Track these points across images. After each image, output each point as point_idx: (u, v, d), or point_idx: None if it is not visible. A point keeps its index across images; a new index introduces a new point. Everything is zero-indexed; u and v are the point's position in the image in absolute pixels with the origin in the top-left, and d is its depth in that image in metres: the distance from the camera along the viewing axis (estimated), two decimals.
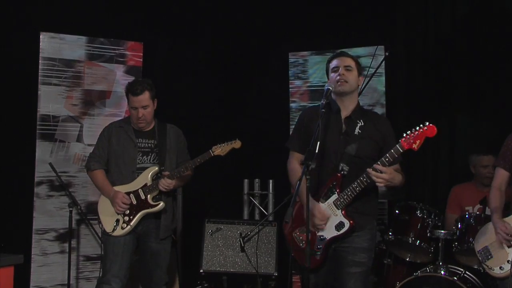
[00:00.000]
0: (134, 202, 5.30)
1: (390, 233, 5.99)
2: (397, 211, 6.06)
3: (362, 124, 4.51)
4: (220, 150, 5.30)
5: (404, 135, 4.23)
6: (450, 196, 6.47)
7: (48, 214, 6.58)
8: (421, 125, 4.20)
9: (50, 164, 6.43)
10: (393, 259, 6.28)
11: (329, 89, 4.42)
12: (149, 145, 5.39)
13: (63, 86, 6.70)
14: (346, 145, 4.46)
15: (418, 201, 6.05)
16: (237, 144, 5.35)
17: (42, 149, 6.59)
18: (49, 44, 6.65)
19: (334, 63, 4.61)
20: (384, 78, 7.13)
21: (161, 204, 5.31)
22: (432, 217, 5.90)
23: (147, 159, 5.36)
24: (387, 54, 6.37)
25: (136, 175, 5.33)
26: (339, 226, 4.43)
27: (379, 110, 7.08)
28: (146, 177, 5.32)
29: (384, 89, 7.15)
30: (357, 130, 4.49)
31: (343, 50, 4.84)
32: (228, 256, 6.45)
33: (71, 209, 6.20)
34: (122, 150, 5.36)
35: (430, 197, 6.75)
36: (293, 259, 4.64)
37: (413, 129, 4.20)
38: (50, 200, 6.60)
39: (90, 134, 6.73)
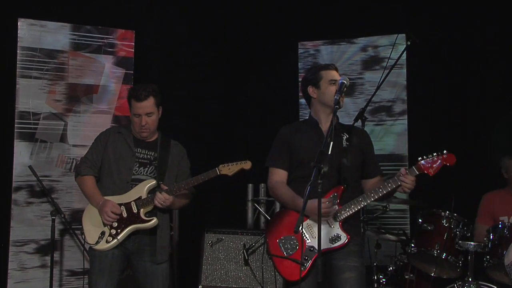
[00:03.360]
0: (125, 215, 5.13)
1: (412, 245, 5.90)
2: (420, 220, 5.98)
3: (347, 136, 4.76)
4: (227, 169, 5.21)
5: (420, 158, 4.51)
6: (482, 204, 6.39)
7: (28, 223, 6.51)
8: (439, 152, 4.48)
9: (30, 167, 6.36)
10: (416, 274, 6.18)
11: (344, 82, 4.47)
12: (149, 156, 5.27)
13: (44, 80, 6.65)
14: (334, 156, 4.47)
15: (444, 208, 5.94)
16: (247, 165, 5.26)
17: (21, 150, 6.53)
18: (29, 32, 6.59)
19: (331, 75, 4.76)
20: (405, 70, 7.11)
21: (154, 220, 5.15)
22: (460, 227, 5.81)
23: (144, 171, 5.23)
24: (409, 43, 6.26)
25: (130, 187, 5.19)
26: (335, 238, 4.56)
27: (400, 106, 7.05)
28: (141, 190, 5.17)
29: (405, 82, 7.14)
30: (344, 142, 4.72)
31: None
32: (230, 270, 6.37)
33: (53, 217, 6.10)
34: (118, 158, 5.22)
35: (457, 205, 6.62)
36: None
37: (432, 154, 4.48)
38: (29, 207, 6.54)
39: (75, 134, 6.67)
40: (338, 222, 4.55)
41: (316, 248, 4.43)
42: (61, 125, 6.69)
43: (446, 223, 5.80)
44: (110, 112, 6.80)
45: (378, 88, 6.19)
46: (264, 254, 6.29)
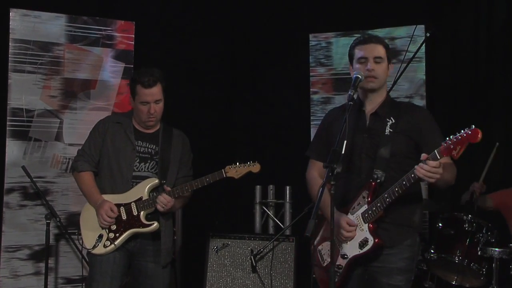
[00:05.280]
0: (124, 217, 5.11)
1: (432, 251, 5.87)
2: (440, 224, 5.93)
3: (393, 121, 4.48)
4: (234, 172, 5.17)
5: (446, 139, 4.08)
6: (503, 191, 6.27)
7: (21, 227, 6.47)
8: (465, 129, 4.00)
9: (23, 167, 6.32)
10: (436, 282, 6.16)
11: (358, 77, 4.37)
12: (150, 150, 5.25)
13: (38, 74, 6.60)
14: (372, 146, 4.46)
15: (466, 212, 5.90)
16: (255, 167, 5.23)
17: (14, 150, 6.48)
18: (21, 23, 6.53)
19: (361, 52, 4.56)
20: (424, 64, 7.03)
21: (155, 224, 5.13)
22: (484, 231, 5.77)
23: (144, 167, 5.20)
24: (428, 35, 6.24)
25: (131, 185, 5.17)
26: (363, 243, 4.37)
27: (418, 102, 7.02)
28: (142, 189, 5.14)
29: (424, 77, 7.05)
30: (387, 129, 4.46)
31: (371, 33, 4.67)
32: (236, 278, 6.39)
33: (48, 221, 6.07)
34: (118, 153, 5.19)
35: (481, 208, 6.55)
36: (314, 280, 4.67)
37: (456, 134, 4.03)
38: (22, 210, 6.49)
39: (71, 132, 6.64)
40: (367, 224, 4.34)
41: (348, 255, 4.42)
42: (57, 122, 6.65)
43: (468, 228, 5.74)
44: (109, 109, 6.76)
45: (395, 83, 6.17)
46: (273, 260, 6.36)
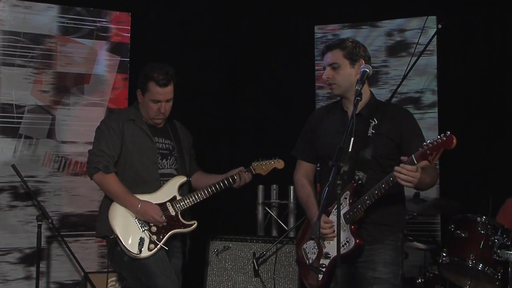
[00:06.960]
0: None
1: (444, 254, 5.77)
2: (452, 226, 5.83)
3: (376, 123, 4.62)
4: (261, 168, 5.45)
5: (424, 143, 4.23)
6: (502, 209, 6.23)
7: (10, 229, 6.46)
8: (441, 135, 4.12)
9: (13, 166, 6.27)
10: (448, 287, 6.10)
11: (366, 71, 4.41)
12: (167, 146, 5.37)
13: (29, 68, 6.59)
14: (354, 148, 4.47)
15: (479, 213, 5.79)
16: (280, 164, 5.52)
17: (3, 147, 6.47)
18: (11, 14, 6.52)
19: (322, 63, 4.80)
20: (435, 57, 7.03)
21: (195, 224, 5.31)
22: (499, 234, 5.63)
23: (166, 164, 5.31)
24: (440, 26, 6.18)
25: (160, 184, 5.26)
26: (345, 243, 4.50)
27: (430, 97, 7.00)
28: (173, 188, 5.27)
29: (435, 71, 7.06)
30: (370, 131, 4.60)
31: (331, 42, 4.89)
32: (238, 282, 6.37)
33: (40, 223, 6.04)
34: (141, 152, 5.24)
35: (495, 208, 6.48)
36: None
37: (432, 139, 4.17)
38: (12, 211, 6.48)
39: (64, 129, 6.64)
40: (349, 225, 4.49)
41: (330, 254, 4.56)
42: (48, 119, 6.64)
43: (482, 230, 5.63)
44: (103, 105, 6.76)
45: (404, 77, 6.12)
46: (276, 264, 6.34)
